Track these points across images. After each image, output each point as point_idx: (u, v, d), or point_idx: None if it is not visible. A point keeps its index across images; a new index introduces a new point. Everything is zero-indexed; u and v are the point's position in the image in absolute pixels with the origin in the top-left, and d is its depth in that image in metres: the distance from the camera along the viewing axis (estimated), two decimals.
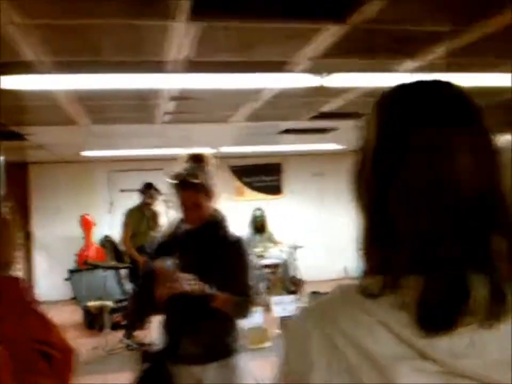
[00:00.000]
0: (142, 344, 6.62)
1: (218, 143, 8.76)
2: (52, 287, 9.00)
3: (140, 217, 6.95)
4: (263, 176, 11.18)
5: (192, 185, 2.54)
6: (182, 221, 2.68)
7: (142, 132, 6.73)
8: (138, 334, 6.94)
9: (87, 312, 7.52)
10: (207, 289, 2.44)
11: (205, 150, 8.64)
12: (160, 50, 3.46)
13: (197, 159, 2.63)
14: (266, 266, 8.51)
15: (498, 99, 5.58)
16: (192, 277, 2.42)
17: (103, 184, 10.38)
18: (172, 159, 9.18)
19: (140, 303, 2.79)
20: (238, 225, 9.33)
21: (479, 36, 3.54)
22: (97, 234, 9.96)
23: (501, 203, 0.78)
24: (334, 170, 11.17)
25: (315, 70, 3.90)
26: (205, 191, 2.58)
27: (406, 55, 3.83)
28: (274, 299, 7.17)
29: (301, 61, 3.76)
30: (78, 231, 9.78)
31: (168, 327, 2.65)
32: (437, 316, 0.73)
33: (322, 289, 8.07)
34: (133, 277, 6.78)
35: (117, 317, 7.41)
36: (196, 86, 4.10)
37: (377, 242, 0.81)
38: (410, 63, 4.10)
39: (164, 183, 10.37)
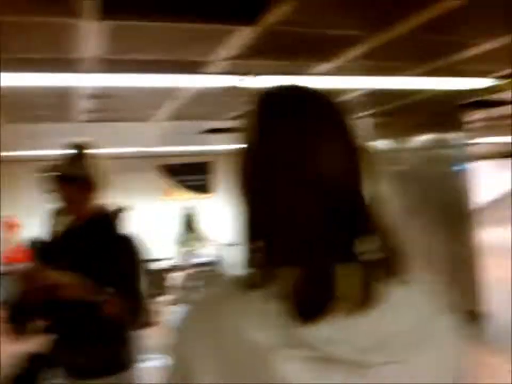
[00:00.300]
0: None
1: (144, 142, 8.70)
2: None
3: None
4: (191, 175, 11.14)
5: (70, 178, 2.37)
6: (64, 217, 2.46)
7: (62, 130, 6.59)
8: None
9: None
10: (93, 293, 2.17)
11: (131, 149, 8.53)
12: (73, 49, 3.43)
13: (77, 153, 2.43)
14: (200, 264, 8.53)
15: (407, 101, 5.85)
16: (71, 279, 2.16)
17: (30, 185, 10.05)
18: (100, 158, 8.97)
19: (16, 308, 2.42)
20: (167, 224, 9.31)
21: (388, 39, 3.70)
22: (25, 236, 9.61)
23: (363, 200, 0.84)
24: None
25: (232, 71, 3.95)
26: (85, 185, 2.39)
27: (319, 57, 3.95)
28: None
29: (217, 61, 3.81)
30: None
31: (52, 335, 2.37)
32: (311, 304, 0.77)
33: None
34: None
35: None
36: (111, 84, 4.06)
37: (257, 236, 0.85)
38: (325, 66, 4.23)
39: None
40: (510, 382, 4.58)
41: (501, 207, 21.49)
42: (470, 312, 7.11)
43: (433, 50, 4.08)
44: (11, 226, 9.42)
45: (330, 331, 0.76)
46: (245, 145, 0.87)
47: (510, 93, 5.76)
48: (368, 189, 0.86)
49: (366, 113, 6.65)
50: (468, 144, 7.45)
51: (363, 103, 5.96)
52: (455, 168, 7.29)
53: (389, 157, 7.57)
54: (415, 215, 7.23)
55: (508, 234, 15.54)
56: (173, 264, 8.79)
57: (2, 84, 3.68)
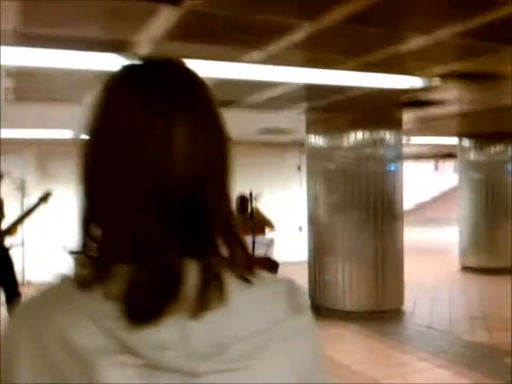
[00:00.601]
0: None
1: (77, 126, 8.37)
2: None
3: None
4: None
5: None
6: None
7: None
8: None
9: None
10: None
11: (63, 133, 8.17)
12: None
13: None
14: None
15: (342, 97, 5.83)
16: None
17: None
18: (30, 142, 8.65)
19: None
20: None
21: (321, 28, 3.61)
22: None
23: (218, 191, 0.76)
24: None
25: (158, 53, 3.78)
26: None
27: (250, 44, 3.83)
28: None
29: (142, 43, 3.63)
30: None
31: None
32: (143, 306, 0.69)
33: None
34: None
35: None
36: (28, 62, 3.83)
37: (90, 230, 0.76)
38: (257, 54, 4.12)
39: (15, 167, 9.80)
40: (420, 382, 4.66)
41: (428, 209, 22.30)
42: (395, 311, 7.22)
43: (367, 42, 4.01)
44: None
45: (160, 336, 0.69)
46: (89, 129, 0.78)
47: (445, 93, 5.83)
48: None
49: (298, 107, 6.58)
50: (401, 144, 7.53)
51: (296, 97, 5.89)
52: (388, 167, 7.35)
53: (321, 154, 7.57)
54: (344, 213, 7.25)
55: (430, 235, 16.25)
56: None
57: None
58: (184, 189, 0.72)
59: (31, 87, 5.09)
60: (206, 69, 4.32)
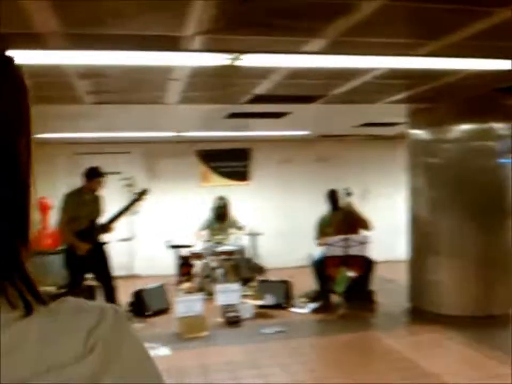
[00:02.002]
0: None
1: (182, 127, 8.58)
2: None
3: (79, 202, 6.71)
4: (230, 161, 10.94)
5: None
6: None
7: (79, 113, 6.53)
8: None
9: None
10: None
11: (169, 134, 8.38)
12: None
13: None
14: (222, 253, 8.33)
15: (440, 84, 5.29)
16: None
17: (64, 167, 10.21)
18: (136, 142, 9.01)
19: None
20: (203, 210, 9.16)
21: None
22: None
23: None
24: (302, 156, 10.99)
25: (212, 48, 3.67)
26: None
27: (305, 31, 3.57)
28: (218, 287, 7.01)
29: (188, 37, 3.51)
30: (36, 215, 9.59)
31: None
32: None
33: (283, 276, 7.94)
34: (68, 262, 6.59)
35: None
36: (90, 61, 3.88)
37: None
38: (318, 42, 3.83)
39: (125, 165, 10.25)
40: None
41: None
42: (502, 317, 6.58)
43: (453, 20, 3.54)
44: (44, 207, 9.55)
45: None
46: None
47: None
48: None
49: (397, 98, 6.15)
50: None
51: (388, 86, 5.48)
52: (498, 161, 6.71)
53: (424, 148, 7.08)
54: (448, 209, 6.73)
55: None
56: (194, 251, 8.64)
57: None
58: None
59: (102, 89, 5.20)
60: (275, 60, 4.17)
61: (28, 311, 0.60)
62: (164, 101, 5.75)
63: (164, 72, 4.50)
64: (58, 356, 0.59)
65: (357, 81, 5.09)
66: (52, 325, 0.61)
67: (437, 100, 6.36)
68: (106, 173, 7.05)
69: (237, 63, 4.04)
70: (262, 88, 5.25)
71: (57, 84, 4.86)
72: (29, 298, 0.61)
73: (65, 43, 3.50)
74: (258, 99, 5.73)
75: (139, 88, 5.18)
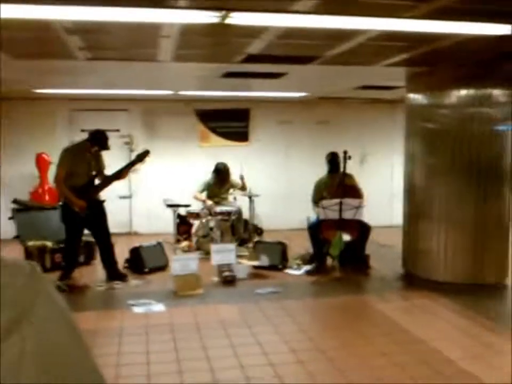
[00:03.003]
0: (72, 287, 6.58)
1: (178, 86, 8.49)
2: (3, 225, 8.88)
3: (78, 158, 6.68)
4: (230, 121, 10.82)
5: None
6: None
7: (76, 69, 6.45)
8: (75, 276, 6.87)
9: (28, 251, 7.44)
10: None
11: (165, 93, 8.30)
12: None
13: None
14: (219, 213, 8.33)
15: (437, 47, 5.14)
16: None
17: (63, 123, 10.17)
18: (134, 99, 8.92)
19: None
20: (201, 170, 9.15)
21: None
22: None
23: None
24: (302, 118, 10.87)
25: (202, 6, 3.57)
26: None
27: None
28: (214, 247, 7.04)
29: None
30: (35, 170, 9.62)
31: None
32: None
33: (279, 238, 7.98)
34: (64, 217, 6.62)
35: (58, 257, 7.32)
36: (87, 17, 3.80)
37: None
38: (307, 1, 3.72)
39: (124, 123, 10.22)
40: None
41: None
42: (495, 285, 6.60)
43: None
44: (43, 163, 9.55)
45: None
46: None
47: None
48: None
49: (394, 60, 6.01)
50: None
51: (384, 48, 5.36)
52: (495, 128, 6.60)
53: (421, 113, 6.97)
54: (444, 176, 6.67)
55: None
56: (193, 211, 8.65)
57: None
58: None
59: (99, 46, 5.12)
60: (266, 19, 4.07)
61: None
62: (157, 58, 5.66)
63: (154, 29, 4.41)
64: None
65: (351, 42, 4.98)
66: None
67: (435, 63, 6.23)
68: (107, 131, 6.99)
69: (227, 21, 3.96)
70: (255, 47, 5.16)
71: (48, 39, 4.79)
72: None
73: None
74: (253, 58, 5.63)
75: (131, 45, 5.10)
